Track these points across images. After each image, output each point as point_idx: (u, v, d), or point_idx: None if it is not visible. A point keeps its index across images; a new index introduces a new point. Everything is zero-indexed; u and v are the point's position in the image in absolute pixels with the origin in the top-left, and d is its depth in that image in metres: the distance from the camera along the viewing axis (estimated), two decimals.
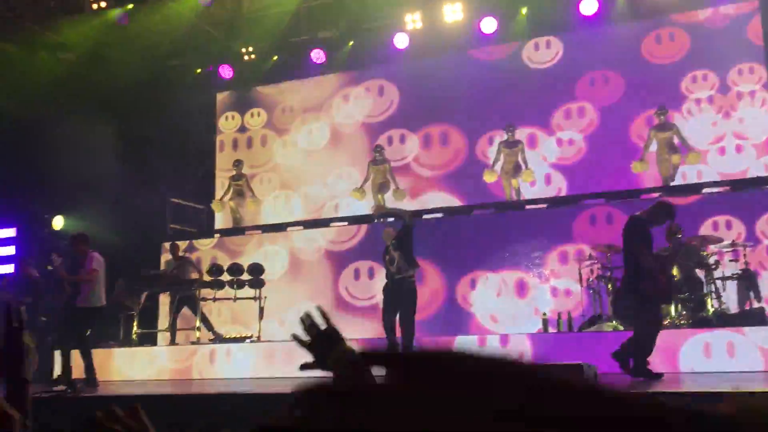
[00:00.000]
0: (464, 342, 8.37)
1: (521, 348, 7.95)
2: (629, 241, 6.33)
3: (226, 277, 10.30)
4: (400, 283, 7.86)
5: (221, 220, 13.31)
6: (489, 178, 11.27)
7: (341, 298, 10.92)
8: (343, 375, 1.57)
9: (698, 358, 7.19)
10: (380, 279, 10.14)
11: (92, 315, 7.81)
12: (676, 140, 10.25)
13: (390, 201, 11.73)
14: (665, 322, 7.86)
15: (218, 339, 9.98)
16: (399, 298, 7.82)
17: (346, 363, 1.59)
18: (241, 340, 9.79)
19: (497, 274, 10.23)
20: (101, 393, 7.07)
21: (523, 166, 10.99)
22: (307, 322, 1.70)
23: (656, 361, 6.54)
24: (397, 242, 7.98)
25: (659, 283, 6.15)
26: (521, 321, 9.86)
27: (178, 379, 9.17)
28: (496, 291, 10.21)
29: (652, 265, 6.16)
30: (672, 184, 10.17)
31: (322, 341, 1.67)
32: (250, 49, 12.95)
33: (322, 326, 1.69)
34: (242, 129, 13.97)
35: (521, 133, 11.29)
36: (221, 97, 14.25)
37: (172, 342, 10.12)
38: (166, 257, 11.24)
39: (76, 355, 7.65)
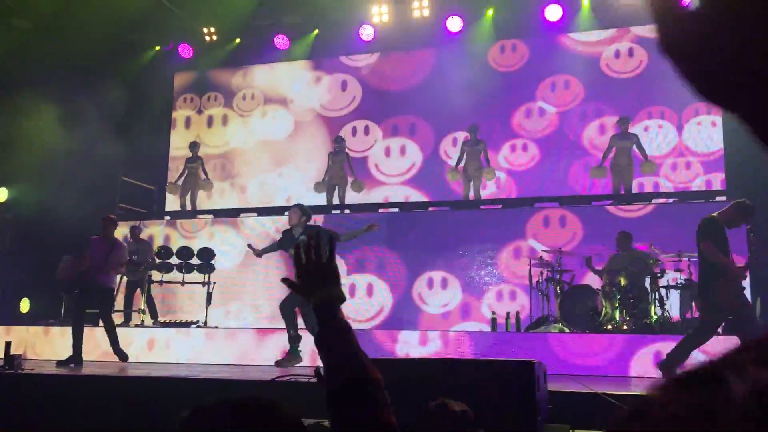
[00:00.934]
0: (408, 337, 8.39)
1: (466, 346, 8.03)
2: (703, 243, 5.92)
3: (175, 260, 10.15)
4: None
5: (173, 203, 13.08)
6: (451, 177, 11.37)
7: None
8: (322, 316, 1.55)
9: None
10: None
11: (113, 295, 8.64)
12: (634, 150, 10.51)
13: (349, 193, 11.70)
14: (609, 327, 8.06)
15: (161, 323, 9.81)
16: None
17: (331, 308, 1.56)
18: (186, 324, 9.64)
19: (449, 273, 10.31)
20: (46, 371, 6.88)
21: (485, 165, 11.09)
22: (313, 244, 1.64)
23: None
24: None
25: (729, 291, 5.80)
26: (471, 320, 9.98)
27: (113, 362, 8.96)
28: (447, 289, 10.29)
29: (730, 269, 5.84)
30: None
31: (317, 271, 1.61)
32: (212, 29, 12.74)
33: (324, 259, 1.63)
34: (199, 111, 13.76)
35: (483, 134, 11.38)
36: (179, 77, 13.99)
37: (124, 324, 9.90)
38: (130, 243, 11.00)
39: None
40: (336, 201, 11.59)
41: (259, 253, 8.12)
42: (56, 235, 10.68)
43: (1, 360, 6.72)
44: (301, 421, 1.11)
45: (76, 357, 7.82)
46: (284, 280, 1.68)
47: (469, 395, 3.34)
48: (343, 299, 1.59)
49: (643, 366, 7.23)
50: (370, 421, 1.41)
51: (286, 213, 11.38)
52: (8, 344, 6.85)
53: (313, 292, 1.58)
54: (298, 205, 7.80)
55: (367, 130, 12.84)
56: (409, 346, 8.28)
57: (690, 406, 0.44)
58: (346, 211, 11.41)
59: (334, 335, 1.53)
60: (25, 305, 11.07)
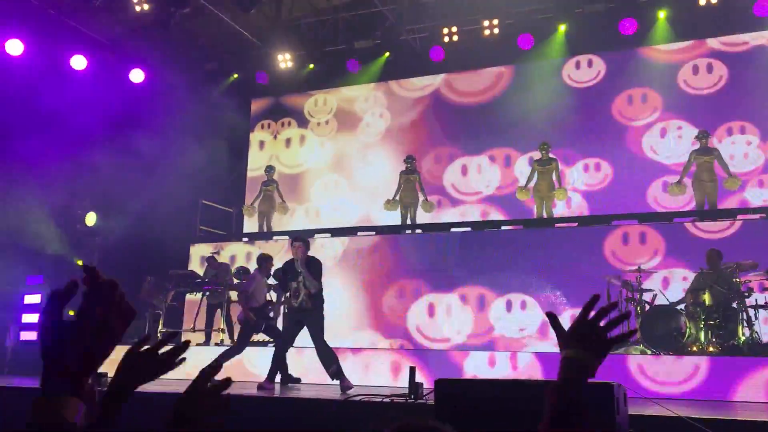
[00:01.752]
0: (480, 359, 8.27)
1: (540, 368, 7.86)
2: None
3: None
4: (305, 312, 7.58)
5: (250, 225, 13.40)
6: (521, 196, 11.24)
7: (368, 310, 10.90)
8: (574, 372, 1.53)
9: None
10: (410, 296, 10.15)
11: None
12: (716, 165, 10.15)
13: (420, 212, 11.73)
14: (692, 348, 7.73)
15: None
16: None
17: (586, 370, 1.53)
18: (263, 344, 9.80)
19: (526, 294, 10.14)
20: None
21: (557, 185, 10.93)
22: (609, 308, 1.60)
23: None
24: (312, 270, 7.63)
25: None
26: (551, 340, 9.75)
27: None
28: (524, 309, 10.13)
29: None
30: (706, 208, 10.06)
31: (594, 334, 1.55)
32: (287, 56, 13.05)
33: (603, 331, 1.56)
34: (275, 136, 14.10)
35: (555, 152, 11.22)
36: (256, 103, 14.39)
37: (206, 342, 10.17)
38: (195, 263, 11.35)
39: None
40: (408, 221, 11.63)
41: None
42: (141, 257, 11.08)
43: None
44: None
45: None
46: (549, 315, 1.63)
47: (538, 417, 3.26)
48: (594, 371, 1.53)
49: (731, 389, 6.90)
50: None
51: (359, 233, 11.58)
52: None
53: (583, 349, 1.53)
54: (301, 239, 7.92)
55: (438, 158, 12.83)
56: (480, 367, 8.17)
57: None
58: (418, 231, 11.40)
59: (572, 394, 1.50)
60: None
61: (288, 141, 14.02)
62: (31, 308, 10.70)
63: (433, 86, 13.15)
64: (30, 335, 10.53)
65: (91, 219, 11.73)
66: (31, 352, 10.05)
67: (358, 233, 11.80)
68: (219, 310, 10.50)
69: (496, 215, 12.15)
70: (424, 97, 13.20)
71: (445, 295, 10.45)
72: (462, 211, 12.48)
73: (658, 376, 7.27)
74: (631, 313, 1.48)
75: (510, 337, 10.06)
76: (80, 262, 9.84)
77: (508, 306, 10.21)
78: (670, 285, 9.36)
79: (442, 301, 10.46)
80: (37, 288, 10.83)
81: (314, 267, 7.68)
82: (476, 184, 12.51)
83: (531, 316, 10.02)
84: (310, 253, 7.81)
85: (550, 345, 9.70)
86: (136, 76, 12.14)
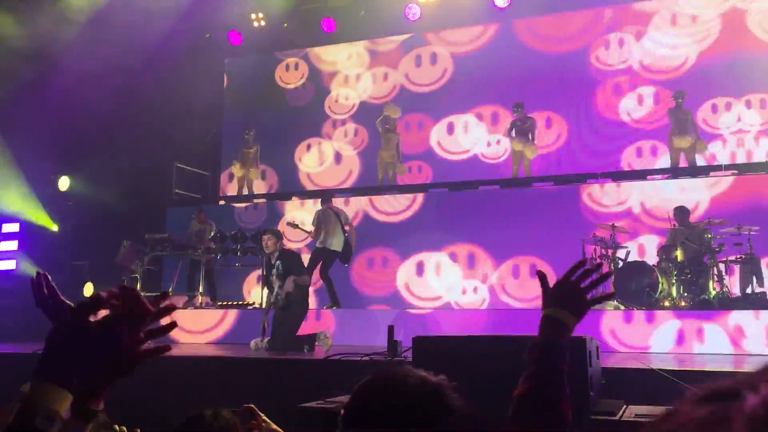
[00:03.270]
0: (447, 318, 8.39)
1: (514, 324, 7.98)
2: None
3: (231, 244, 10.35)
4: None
5: (228, 188, 13.33)
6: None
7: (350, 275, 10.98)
8: (546, 329, 1.57)
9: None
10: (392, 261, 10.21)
11: None
12: (689, 125, 10.25)
13: (394, 176, 11.69)
14: (664, 303, 7.90)
15: (219, 305, 10.03)
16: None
17: (558, 327, 1.56)
18: (243, 306, 9.85)
19: (502, 255, 10.27)
20: None
21: (530, 141, 10.91)
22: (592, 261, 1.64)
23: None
24: (284, 265, 7.43)
25: None
26: (528, 297, 9.91)
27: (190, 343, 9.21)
28: (504, 269, 10.26)
29: None
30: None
31: (571, 291, 1.59)
32: (260, 15, 12.83)
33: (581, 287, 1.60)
34: (250, 96, 13.89)
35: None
36: (229, 63, 14.17)
37: (190, 303, 10.12)
38: (173, 226, 11.28)
39: None
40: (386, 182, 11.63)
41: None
42: (115, 221, 11.00)
43: None
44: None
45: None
46: (539, 273, 1.66)
47: (516, 372, 3.33)
48: (572, 328, 1.57)
49: (699, 342, 7.08)
50: None
51: (337, 195, 11.56)
52: None
53: (562, 308, 1.57)
54: (271, 230, 7.83)
55: (421, 125, 12.75)
56: (445, 327, 8.27)
57: (707, 416, 0.51)
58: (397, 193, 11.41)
59: (555, 354, 1.52)
60: (88, 290, 11.44)
61: (266, 102, 13.82)
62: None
63: (408, 47, 13.01)
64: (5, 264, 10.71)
65: (63, 183, 11.60)
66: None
67: (336, 195, 11.77)
68: (198, 272, 10.43)
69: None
70: (400, 59, 13.07)
71: (432, 254, 10.59)
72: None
73: (632, 329, 7.42)
74: (611, 274, 1.56)
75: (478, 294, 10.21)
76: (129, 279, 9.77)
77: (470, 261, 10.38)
78: (643, 242, 9.54)
79: (430, 260, 10.60)
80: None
81: (289, 260, 7.49)
82: (464, 142, 12.44)
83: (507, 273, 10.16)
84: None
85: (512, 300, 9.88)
86: None
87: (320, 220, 9.32)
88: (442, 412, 1.21)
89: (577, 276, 1.59)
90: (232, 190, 13.05)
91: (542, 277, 1.64)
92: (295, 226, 9.55)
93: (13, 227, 11.18)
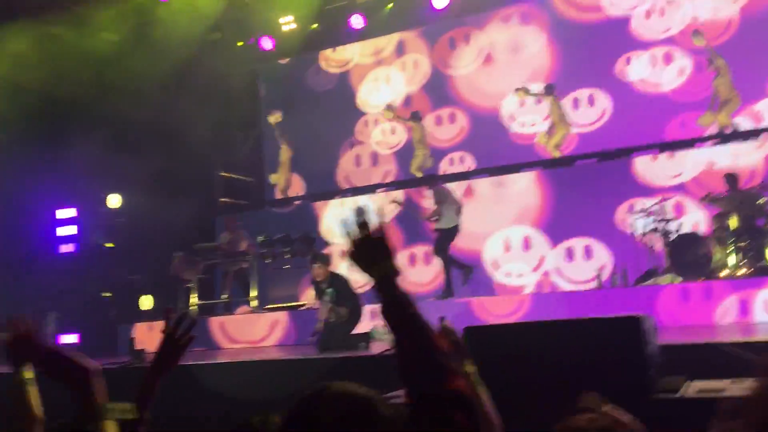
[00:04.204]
0: (500, 304, 8.33)
1: (580, 304, 7.88)
2: None
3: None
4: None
5: (270, 192, 13.47)
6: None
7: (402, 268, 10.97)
8: (383, 289, 1.60)
9: None
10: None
11: None
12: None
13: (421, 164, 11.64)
14: (723, 273, 7.71)
15: (270, 308, 10.16)
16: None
17: (390, 281, 1.60)
18: (294, 308, 9.95)
19: (548, 234, 10.15)
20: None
21: (563, 121, 10.73)
22: (359, 218, 1.68)
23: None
24: (337, 291, 7.46)
25: None
26: (579, 278, 9.79)
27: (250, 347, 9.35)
28: (553, 250, 10.15)
29: None
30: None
31: (370, 247, 1.64)
32: (290, 19, 12.89)
33: (371, 231, 1.65)
34: (286, 99, 13.96)
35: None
36: (263, 69, 14.28)
37: (229, 311, 10.34)
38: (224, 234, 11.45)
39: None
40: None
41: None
42: (166, 234, 11.22)
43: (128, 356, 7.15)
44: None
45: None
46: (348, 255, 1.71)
47: (575, 356, 3.29)
48: (398, 272, 1.60)
49: (762, 310, 6.89)
50: (441, 388, 1.45)
51: (377, 191, 11.56)
52: (132, 340, 7.29)
53: (370, 267, 1.62)
54: (319, 258, 7.89)
55: (452, 118, 12.67)
56: (500, 314, 8.18)
57: None
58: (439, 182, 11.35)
59: (399, 308, 1.56)
60: (146, 302, 11.70)
61: (300, 104, 13.90)
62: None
63: (434, 35, 12.91)
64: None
65: (113, 200, 11.87)
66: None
67: (376, 191, 11.82)
68: (234, 278, 10.59)
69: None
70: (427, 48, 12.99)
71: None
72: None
73: (691, 303, 7.25)
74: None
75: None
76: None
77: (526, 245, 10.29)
78: (694, 212, 9.32)
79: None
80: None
81: (339, 286, 7.56)
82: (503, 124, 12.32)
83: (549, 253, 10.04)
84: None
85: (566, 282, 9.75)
86: None
87: (440, 197, 9.24)
88: (373, 421, 1.28)
89: (363, 236, 1.65)
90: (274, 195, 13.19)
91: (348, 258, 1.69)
92: (400, 203, 9.52)
93: (70, 212, 11.56)
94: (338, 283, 7.61)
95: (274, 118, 12.71)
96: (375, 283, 1.62)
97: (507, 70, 12.13)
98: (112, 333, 10.16)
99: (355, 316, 7.56)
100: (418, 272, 10.85)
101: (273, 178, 12.71)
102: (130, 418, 1.47)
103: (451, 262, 9.14)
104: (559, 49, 11.73)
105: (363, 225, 1.66)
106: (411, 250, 10.94)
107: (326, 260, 7.86)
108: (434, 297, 9.03)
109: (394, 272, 1.61)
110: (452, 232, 9.13)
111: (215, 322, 9.77)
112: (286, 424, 1.32)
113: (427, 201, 9.43)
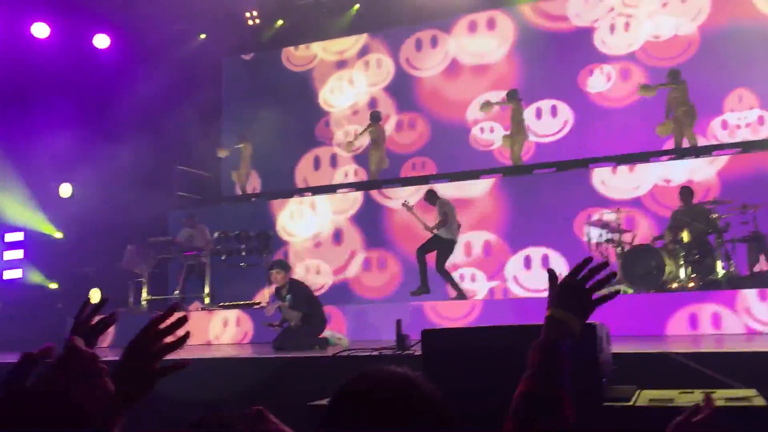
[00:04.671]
0: (453, 308, 8.35)
1: (533, 311, 7.93)
2: None
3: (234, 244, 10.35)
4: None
5: (226, 188, 13.30)
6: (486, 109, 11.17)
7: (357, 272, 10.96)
8: (555, 333, 1.52)
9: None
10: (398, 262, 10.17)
11: None
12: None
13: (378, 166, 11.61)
14: (673, 286, 7.85)
15: (224, 306, 10.01)
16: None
17: (570, 333, 1.52)
18: (248, 306, 9.82)
19: (507, 241, 10.21)
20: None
21: (522, 129, 10.80)
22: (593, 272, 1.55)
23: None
24: (294, 297, 7.46)
25: None
26: (535, 286, 9.87)
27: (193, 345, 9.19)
28: (512, 258, 10.22)
29: None
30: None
31: (579, 293, 1.53)
32: (255, 13, 12.77)
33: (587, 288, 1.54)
34: (248, 96, 13.83)
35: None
36: (226, 62, 14.11)
37: (182, 308, 10.17)
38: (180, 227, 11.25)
39: None
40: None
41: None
42: (119, 226, 10.96)
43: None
44: None
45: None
46: (549, 271, 1.61)
47: (526, 362, 3.27)
48: (572, 337, 1.51)
49: (709, 323, 7.03)
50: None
51: (338, 191, 11.52)
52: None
53: (558, 305, 1.53)
54: (278, 263, 7.83)
55: (412, 123, 12.72)
56: (452, 317, 8.23)
57: None
58: (397, 185, 11.36)
59: (556, 362, 1.48)
60: (95, 296, 11.42)
61: (262, 101, 13.76)
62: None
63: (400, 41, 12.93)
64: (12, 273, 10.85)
65: (65, 190, 11.57)
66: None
67: (337, 191, 11.76)
68: (187, 274, 10.44)
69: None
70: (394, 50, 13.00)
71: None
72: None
73: (642, 313, 7.37)
74: (615, 275, 1.57)
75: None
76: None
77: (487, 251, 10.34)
78: (649, 224, 9.48)
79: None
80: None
81: (297, 292, 7.53)
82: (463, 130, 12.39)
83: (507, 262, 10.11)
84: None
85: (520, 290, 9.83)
86: (101, 41, 11.83)
87: (447, 209, 9.10)
88: (420, 404, 1.21)
89: (582, 276, 1.54)
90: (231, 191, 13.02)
91: (552, 275, 1.59)
92: (410, 208, 9.30)
93: (17, 236, 11.17)
94: (296, 288, 7.59)
95: (223, 153, 12.57)
96: (553, 323, 1.52)
97: (471, 77, 12.21)
98: (60, 325, 9.88)
99: (317, 321, 7.51)
100: (372, 277, 10.85)
101: (234, 175, 12.52)
102: None
103: (446, 275, 9.00)
104: (524, 58, 11.87)
105: (599, 267, 1.54)
106: (368, 254, 10.93)
107: (285, 266, 7.84)
108: (410, 292, 8.98)
109: (576, 326, 1.51)
110: (450, 244, 9.01)
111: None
112: (333, 407, 1.26)
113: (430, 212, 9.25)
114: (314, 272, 11.05)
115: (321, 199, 11.46)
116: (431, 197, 9.28)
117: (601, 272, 1.56)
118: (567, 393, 1.46)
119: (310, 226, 11.31)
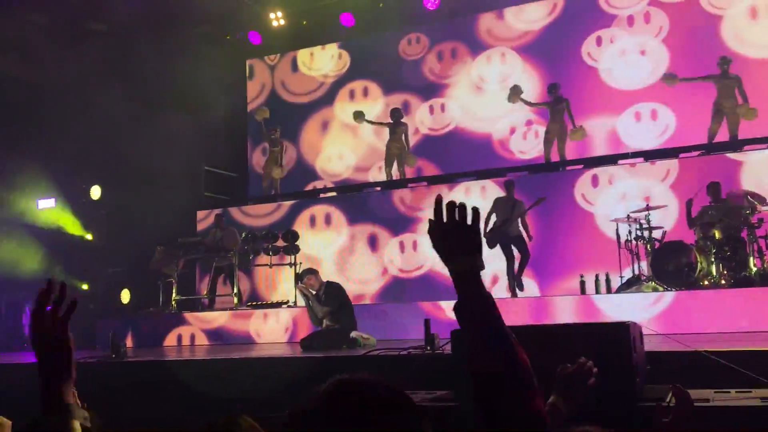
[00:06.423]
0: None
1: (556, 311, 7.87)
2: None
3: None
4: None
5: (254, 189, 13.37)
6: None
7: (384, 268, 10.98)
8: (464, 283, 1.40)
9: None
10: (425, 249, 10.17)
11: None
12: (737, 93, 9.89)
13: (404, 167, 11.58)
14: (704, 282, 7.73)
15: (252, 305, 10.08)
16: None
17: (476, 276, 1.40)
18: (277, 305, 9.87)
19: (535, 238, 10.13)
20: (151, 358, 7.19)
21: (570, 125, 10.66)
22: (458, 209, 1.43)
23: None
24: (327, 295, 7.56)
25: None
26: (560, 284, 9.78)
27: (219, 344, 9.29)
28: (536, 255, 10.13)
29: None
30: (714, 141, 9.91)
31: (460, 234, 1.42)
32: (279, 14, 12.82)
33: (465, 217, 1.42)
34: (273, 96, 13.91)
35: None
36: (251, 63, 14.19)
37: (210, 308, 10.25)
38: (208, 228, 11.31)
39: None
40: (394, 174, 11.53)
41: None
42: (148, 227, 11.09)
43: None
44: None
45: None
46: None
47: (563, 361, 3.24)
48: (482, 269, 1.40)
49: (746, 320, 6.91)
50: (519, 408, 1.30)
51: (365, 190, 11.52)
52: (113, 334, 7.18)
53: (454, 257, 1.41)
54: (308, 271, 7.88)
55: (443, 107, 12.69)
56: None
57: None
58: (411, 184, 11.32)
59: (478, 309, 1.38)
60: (125, 296, 11.58)
61: (287, 101, 13.83)
62: None
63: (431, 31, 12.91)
64: None
65: (95, 192, 11.73)
66: None
67: (364, 190, 11.77)
68: (223, 275, 10.53)
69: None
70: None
71: None
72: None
73: (673, 311, 7.27)
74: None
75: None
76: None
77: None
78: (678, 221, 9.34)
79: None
80: None
81: (330, 293, 7.62)
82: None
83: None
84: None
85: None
86: None
87: (494, 207, 9.38)
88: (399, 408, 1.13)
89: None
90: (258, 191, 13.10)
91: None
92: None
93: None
94: (331, 287, 7.68)
95: (261, 114, 12.58)
96: (454, 277, 1.41)
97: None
98: (90, 326, 10.03)
99: (346, 321, 7.54)
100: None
101: (275, 171, 12.51)
102: (86, 425, 1.38)
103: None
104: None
105: (460, 208, 1.43)
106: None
107: (313, 270, 7.94)
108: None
109: (479, 268, 1.40)
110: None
111: (195, 318, 9.70)
112: (311, 414, 1.14)
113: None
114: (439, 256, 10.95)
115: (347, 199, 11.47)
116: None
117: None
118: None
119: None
